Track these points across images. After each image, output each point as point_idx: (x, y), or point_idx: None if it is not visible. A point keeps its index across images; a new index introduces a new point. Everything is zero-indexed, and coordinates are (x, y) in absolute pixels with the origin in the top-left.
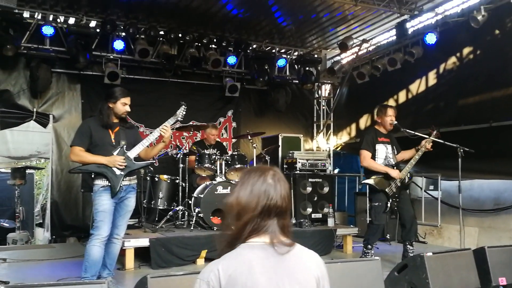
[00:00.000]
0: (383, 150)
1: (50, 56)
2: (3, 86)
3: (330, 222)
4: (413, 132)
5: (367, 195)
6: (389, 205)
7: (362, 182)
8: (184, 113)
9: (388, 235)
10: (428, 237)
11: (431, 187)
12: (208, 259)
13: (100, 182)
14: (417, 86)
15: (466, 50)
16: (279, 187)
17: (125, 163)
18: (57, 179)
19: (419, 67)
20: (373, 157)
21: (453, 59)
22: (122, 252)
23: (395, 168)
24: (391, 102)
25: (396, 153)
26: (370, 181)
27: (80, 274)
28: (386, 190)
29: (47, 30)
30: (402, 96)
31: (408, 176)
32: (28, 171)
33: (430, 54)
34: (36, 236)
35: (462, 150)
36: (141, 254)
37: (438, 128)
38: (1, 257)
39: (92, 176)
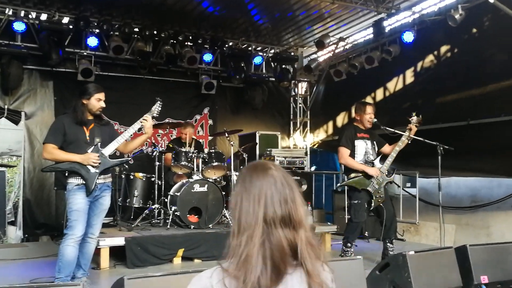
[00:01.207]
0: (363, 146)
1: (22, 53)
2: None
3: (309, 220)
4: (392, 130)
5: (346, 193)
6: (372, 202)
7: (341, 184)
8: (159, 109)
9: (366, 232)
10: (406, 234)
11: (408, 184)
12: (185, 258)
13: (74, 181)
14: (394, 84)
15: (443, 49)
16: (280, 189)
17: (100, 161)
18: (30, 177)
19: (397, 65)
20: (352, 153)
21: (430, 57)
22: (97, 251)
23: (374, 164)
24: (369, 99)
25: (377, 148)
26: (349, 182)
27: (53, 274)
28: (369, 188)
29: (19, 26)
30: (379, 94)
31: (391, 171)
32: None
33: (408, 53)
34: (8, 234)
35: (442, 148)
36: (117, 253)
37: (419, 116)
38: None
39: (66, 174)
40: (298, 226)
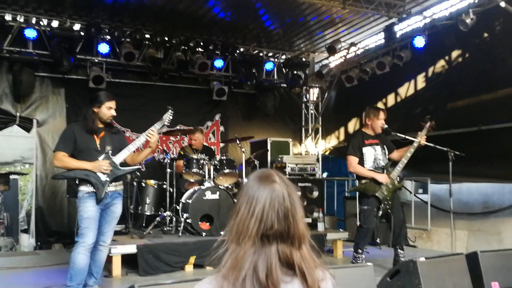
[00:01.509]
0: (371, 153)
1: (33, 60)
2: None
3: (320, 226)
4: (403, 136)
5: (357, 198)
6: (381, 209)
7: (350, 190)
8: (171, 117)
9: (378, 239)
10: (418, 241)
11: (420, 191)
12: (196, 265)
13: (85, 188)
14: (406, 90)
15: (454, 54)
16: (281, 204)
17: (111, 169)
18: (42, 185)
19: (408, 71)
20: (361, 161)
21: (441, 63)
22: (109, 259)
23: (384, 171)
24: (380, 105)
25: (388, 152)
26: (359, 187)
27: (65, 282)
28: (377, 194)
29: (30, 33)
30: (391, 100)
31: (397, 179)
32: (12, 176)
33: (419, 58)
34: (21, 242)
35: (452, 154)
36: (129, 261)
37: (432, 121)
38: None
39: (77, 182)
40: (297, 241)
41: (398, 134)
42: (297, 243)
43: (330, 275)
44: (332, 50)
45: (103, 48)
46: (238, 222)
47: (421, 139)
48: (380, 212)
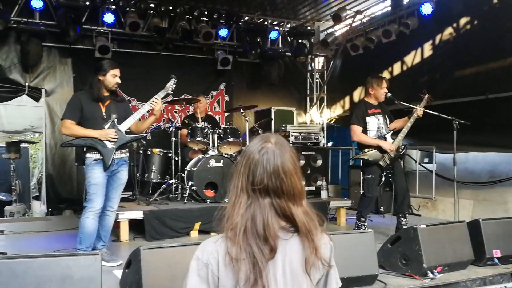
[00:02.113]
0: (375, 122)
1: (40, 30)
2: None
3: (324, 194)
4: (407, 104)
5: (361, 168)
6: (383, 177)
7: (354, 157)
8: (174, 86)
9: (382, 207)
10: (422, 210)
11: (426, 160)
12: (201, 232)
13: (92, 156)
14: (412, 58)
15: (462, 21)
16: (270, 160)
17: (117, 136)
18: (51, 153)
19: (415, 39)
20: (365, 130)
21: (449, 30)
22: (117, 224)
23: (387, 139)
24: (386, 74)
25: (388, 122)
26: (362, 156)
27: (75, 246)
28: (380, 162)
29: (36, 4)
30: (396, 68)
31: (402, 146)
32: (22, 145)
33: (426, 25)
34: (33, 209)
35: (457, 123)
36: (136, 227)
37: (429, 95)
38: None
39: (84, 149)
40: (292, 197)
41: (402, 103)
42: (294, 200)
43: (328, 239)
44: (337, 18)
45: (108, 17)
46: (235, 177)
47: (419, 109)
48: (382, 181)
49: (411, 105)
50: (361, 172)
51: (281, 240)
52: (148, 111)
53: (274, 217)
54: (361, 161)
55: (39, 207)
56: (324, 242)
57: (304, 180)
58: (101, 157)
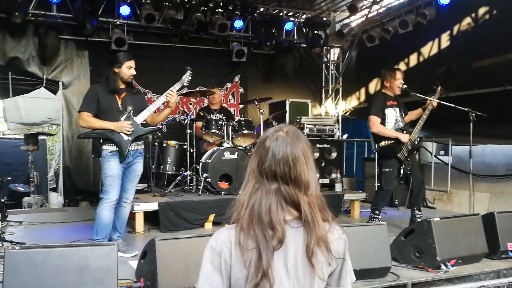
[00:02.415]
0: (393, 114)
1: (58, 23)
2: (13, 53)
3: (338, 187)
4: (423, 96)
5: (377, 161)
6: (402, 170)
7: (374, 150)
8: (189, 78)
9: (396, 200)
10: (437, 203)
11: (442, 152)
12: (216, 223)
13: (108, 147)
14: (429, 49)
15: (481, 10)
16: (279, 147)
17: (132, 129)
18: (68, 145)
19: (432, 29)
20: (383, 122)
21: (467, 20)
22: (132, 215)
23: (404, 132)
24: (402, 65)
25: (404, 115)
26: (382, 149)
27: (92, 237)
28: (399, 155)
29: None
30: (413, 60)
31: (417, 139)
32: (40, 137)
33: (444, 15)
34: (50, 200)
35: (474, 114)
36: (151, 218)
37: (442, 86)
38: (17, 220)
39: (101, 141)
40: (301, 185)
41: (418, 95)
42: (303, 188)
43: (341, 232)
44: (353, 8)
45: (124, 10)
46: (248, 165)
47: (434, 101)
48: (401, 174)
49: (427, 97)
50: (379, 165)
51: (292, 228)
52: (163, 103)
53: (281, 204)
54: (377, 154)
55: (56, 199)
56: (337, 237)
57: (318, 172)
58: (117, 149)
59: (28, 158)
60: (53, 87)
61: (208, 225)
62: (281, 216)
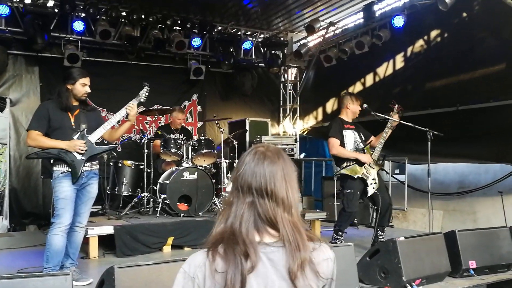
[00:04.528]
0: (351, 136)
1: (6, 37)
2: None
3: (298, 206)
4: (383, 115)
5: (340, 182)
6: (368, 190)
7: (336, 173)
8: (147, 94)
9: (356, 219)
10: (394, 221)
11: (397, 171)
12: (175, 247)
13: (59, 168)
14: (384, 69)
15: (433, 33)
16: (257, 160)
17: (86, 148)
18: (16, 165)
19: (387, 50)
20: (342, 143)
21: (420, 42)
22: (86, 240)
23: (365, 152)
24: (359, 85)
25: (364, 139)
26: (344, 171)
27: (42, 264)
28: (361, 176)
29: (2, 10)
30: (369, 80)
31: (380, 158)
32: None
33: (398, 37)
34: None
35: (431, 134)
36: (106, 242)
37: (399, 105)
38: None
39: (51, 161)
40: (279, 201)
41: (378, 114)
42: (281, 205)
43: (329, 253)
44: (310, 29)
45: (78, 25)
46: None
47: (394, 120)
48: (368, 193)
49: (386, 116)
50: (341, 186)
51: (272, 251)
52: (118, 121)
53: (254, 222)
54: (339, 176)
55: (1, 222)
56: (325, 258)
57: (299, 194)
58: (70, 170)
59: None
60: None
61: (167, 249)
62: (254, 236)
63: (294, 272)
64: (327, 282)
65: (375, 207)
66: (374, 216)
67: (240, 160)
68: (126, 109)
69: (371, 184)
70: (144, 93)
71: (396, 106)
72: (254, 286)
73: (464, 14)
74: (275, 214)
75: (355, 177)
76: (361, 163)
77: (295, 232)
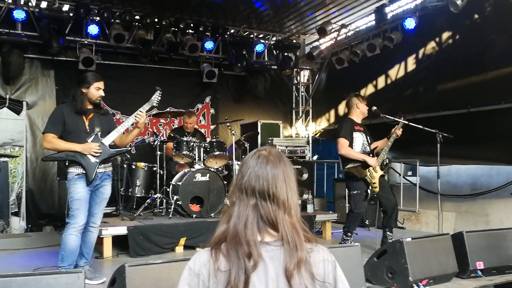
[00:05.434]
0: (360, 138)
1: (22, 41)
2: None
3: (309, 208)
4: (392, 117)
5: (346, 184)
6: (369, 192)
7: (341, 171)
8: (159, 98)
9: (367, 221)
10: (406, 223)
11: (409, 173)
12: (187, 247)
13: (74, 170)
14: (396, 72)
15: (445, 35)
16: (260, 164)
17: (100, 150)
18: (32, 167)
19: (398, 52)
20: (351, 145)
21: (432, 44)
22: (100, 240)
23: (371, 155)
24: (370, 87)
25: (370, 142)
26: (350, 169)
27: (56, 264)
28: (366, 177)
29: (19, 14)
30: (381, 82)
31: (386, 161)
32: (2, 159)
33: (409, 39)
34: (12, 225)
35: (441, 136)
36: (119, 243)
37: (405, 116)
38: None
39: (66, 163)
40: (280, 203)
41: (387, 116)
42: (282, 207)
43: (328, 255)
44: (322, 31)
45: (93, 29)
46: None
47: (397, 130)
48: (368, 196)
49: (396, 118)
50: (347, 188)
51: (272, 249)
52: (132, 124)
53: (257, 223)
54: (346, 176)
55: (18, 223)
56: (322, 259)
57: (299, 197)
58: (84, 172)
59: None
60: (16, 107)
61: (179, 249)
62: (257, 236)
63: (291, 271)
64: (328, 287)
65: (381, 209)
66: (382, 217)
67: (244, 164)
68: (135, 117)
69: (371, 187)
70: (156, 97)
71: (402, 118)
72: (256, 283)
73: (476, 16)
74: (276, 216)
75: (359, 177)
76: (366, 166)
77: (294, 233)
